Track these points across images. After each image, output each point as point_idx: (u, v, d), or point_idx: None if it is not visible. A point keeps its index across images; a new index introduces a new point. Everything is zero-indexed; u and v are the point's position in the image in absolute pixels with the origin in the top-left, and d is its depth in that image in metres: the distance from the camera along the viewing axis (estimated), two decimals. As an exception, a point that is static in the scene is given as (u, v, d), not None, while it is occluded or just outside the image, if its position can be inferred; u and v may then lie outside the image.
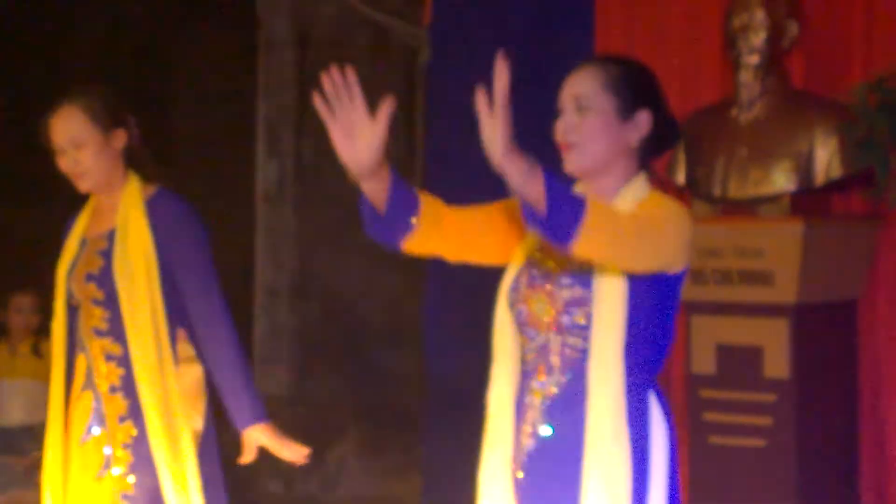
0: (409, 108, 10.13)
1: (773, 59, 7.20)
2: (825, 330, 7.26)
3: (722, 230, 7.22)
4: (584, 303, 3.96)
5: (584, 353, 3.97)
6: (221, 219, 11.44)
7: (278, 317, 10.49)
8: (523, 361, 4.13)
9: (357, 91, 4.03)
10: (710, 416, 7.20)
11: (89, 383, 5.28)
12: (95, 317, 5.24)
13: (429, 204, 4.15)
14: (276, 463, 10.86)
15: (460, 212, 4.26)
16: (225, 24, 11.42)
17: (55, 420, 5.34)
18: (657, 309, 4.02)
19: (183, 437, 5.27)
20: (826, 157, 7.07)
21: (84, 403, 5.28)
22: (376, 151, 3.97)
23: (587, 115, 4.00)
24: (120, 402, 5.23)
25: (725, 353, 7.20)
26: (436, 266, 8.67)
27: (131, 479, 5.22)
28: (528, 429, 4.09)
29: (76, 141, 5.24)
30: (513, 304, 4.12)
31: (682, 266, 4.03)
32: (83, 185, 5.30)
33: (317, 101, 3.96)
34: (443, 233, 4.20)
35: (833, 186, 7.20)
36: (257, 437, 5.37)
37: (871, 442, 7.35)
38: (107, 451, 5.26)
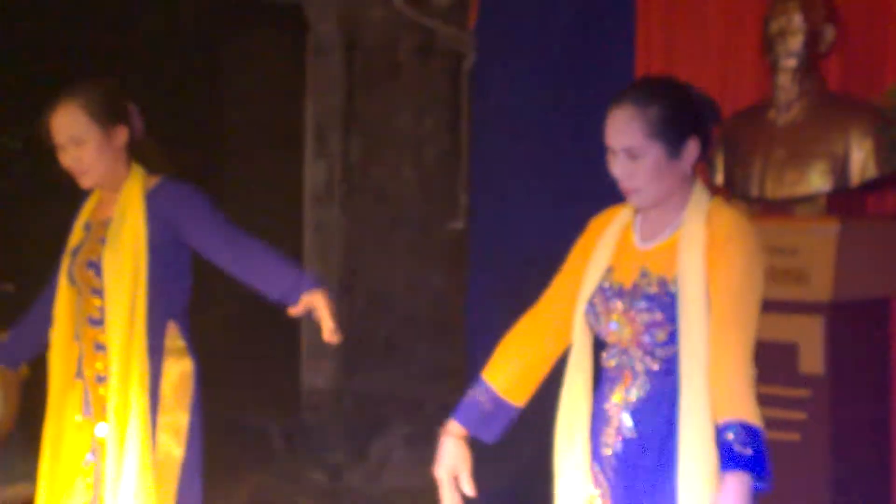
0: (455, 110, 10.14)
1: (810, 63, 7.16)
2: (859, 327, 7.22)
3: (759, 230, 7.22)
4: (663, 324, 4.05)
5: (667, 363, 4.07)
6: (271, 217, 11.50)
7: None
8: (604, 368, 4.21)
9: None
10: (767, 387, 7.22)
11: (79, 372, 5.25)
12: (91, 306, 5.20)
13: (513, 388, 4.45)
14: (321, 456, 10.90)
15: (532, 336, 4.44)
16: (275, 29, 11.44)
17: (53, 405, 5.28)
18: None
19: (141, 432, 5.10)
20: (861, 159, 7.05)
21: (76, 391, 5.25)
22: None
23: (641, 163, 4.07)
24: (105, 391, 5.18)
25: (761, 349, 7.16)
26: (479, 263, 8.67)
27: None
28: (612, 432, 4.16)
29: (76, 139, 5.18)
30: (592, 325, 4.19)
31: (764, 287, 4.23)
32: (85, 182, 5.25)
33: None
34: (536, 372, 4.45)
35: (868, 187, 7.16)
36: (316, 300, 5.19)
37: None
38: (92, 436, 5.23)
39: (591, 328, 4.21)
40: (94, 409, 5.22)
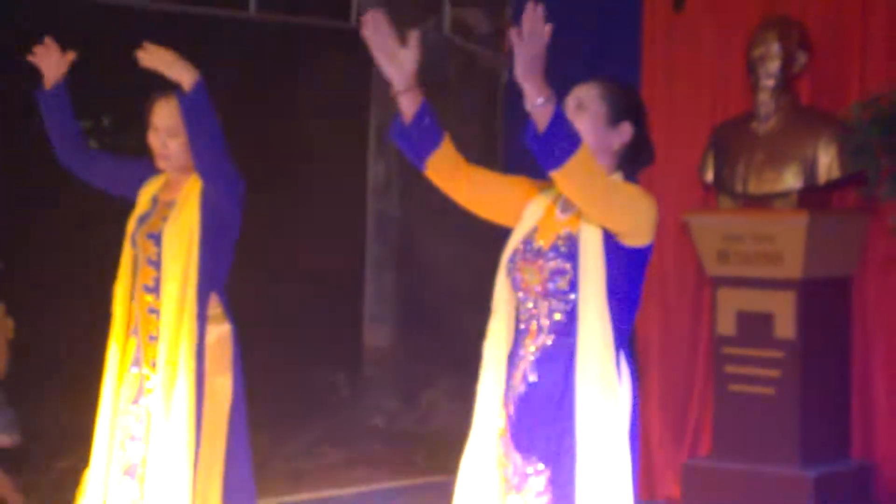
0: (491, 123, 10.11)
1: (786, 82, 7.19)
2: (825, 300, 7.22)
3: (742, 220, 7.24)
4: (564, 272, 3.91)
5: (568, 316, 3.91)
6: (339, 207, 11.48)
7: (384, 284, 10.46)
8: (518, 320, 4.08)
9: (387, 25, 4.14)
10: (730, 369, 7.21)
11: (135, 330, 5.12)
12: (147, 275, 5.06)
13: (451, 146, 4.26)
14: (379, 403, 10.85)
15: (478, 168, 4.29)
16: (345, 49, 11.40)
17: (113, 356, 5.15)
18: (627, 280, 3.94)
19: (189, 384, 4.99)
20: (827, 162, 7.06)
21: (130, 346, 5.12)
22: (409, 70, 4.13)
23: (582, 115, 3.99)
24: (155, 350, 5.05)
25: (744, 318, 7.19)
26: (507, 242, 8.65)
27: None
28: (519, 376, 4.02)
29: (172, 130, 5.05)
30: (510, 273, 4.07)
31: (648, 241, 3.93)
32: (162, 165, 5.13)
33: (364, 35, 4.10)
34: (458, 174, 4.28)
35: (833, 185, 7.18)
36: None
37: (860, 395, 7.32)
38: (141, 386, 5.11)
39: (509, 275, 4.07)
40: (145, 364, 5.10)
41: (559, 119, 3.68)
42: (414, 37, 4.11)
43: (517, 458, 4.05)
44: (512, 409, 4.04)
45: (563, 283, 3.94)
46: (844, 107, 7.05)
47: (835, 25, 7.44)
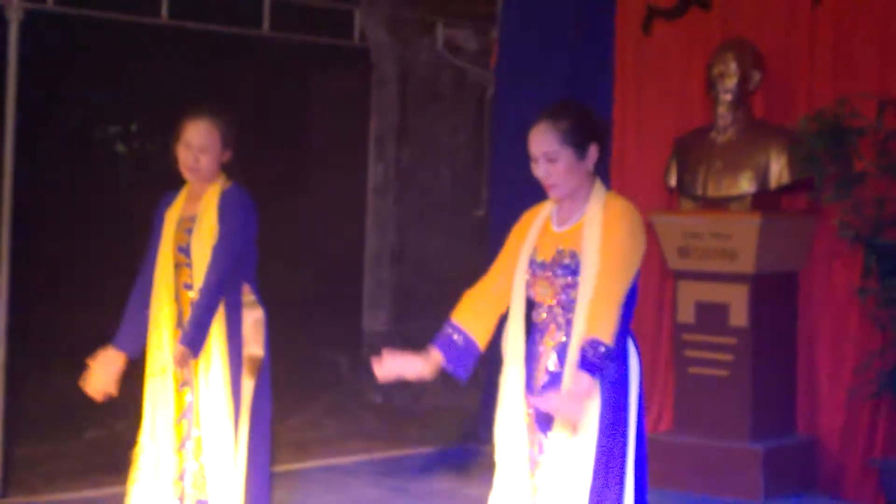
0: (479, 130, 10.06)
1: (742, 98, 7.18)
2: (774, 292, 7.21)
3: (702, 220, 7.21)
4: (574, 286, 3.99)
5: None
6: (342, 205, 11.48)
7: (381, 275, 10.39)
8: (534, 323, 4.13)
9: (392, 360, 4.31)
10: (690, 353, 7.21)
11: (180, 322, 5.04)
12: (185, 275, 5.04)
13: (484, 335, 4.28)
14: (376, 381, 10.86)
15: (491, 296, 4.29)
16: (348, 66, 11.37)
17: (155, 347, 5.09)
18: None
19: (222, 359, 5.00)
20: (778, 169, 7.06)
21: (174, 336, 5.04)
22: (422, 368, 4.27)
23: (556, 165, 4.03)
24: None
25: (701, 308, 7.18)
26: (495, 240, 8.60)
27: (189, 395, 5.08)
28: (542, 368, 4.09)
29: (203, 147, 5.02)
30: (526, 288, 4.13)
31: (642, 254, 4.05)
32: (189, 177, 5.10)
33: (380, 376, 4.31)
34: (497, 320, 4.30)
35: (783, 190, 7.17)
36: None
37: (805, 377, 7.32)
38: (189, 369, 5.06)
39: (524, 292, 4.14)
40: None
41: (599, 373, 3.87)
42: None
43: (542, 437, 4.10)
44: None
45: (573, 294, 4.03)
46: (794, 120, 7.05)
47: (785, 48, 7.44)
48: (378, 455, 8.32)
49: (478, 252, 8.83)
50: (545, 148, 4.06)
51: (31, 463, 7.64)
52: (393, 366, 4.30)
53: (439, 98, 10.43)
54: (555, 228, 4.15)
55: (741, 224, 6.97)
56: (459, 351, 4.24)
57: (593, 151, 4.06)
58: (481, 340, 4.25)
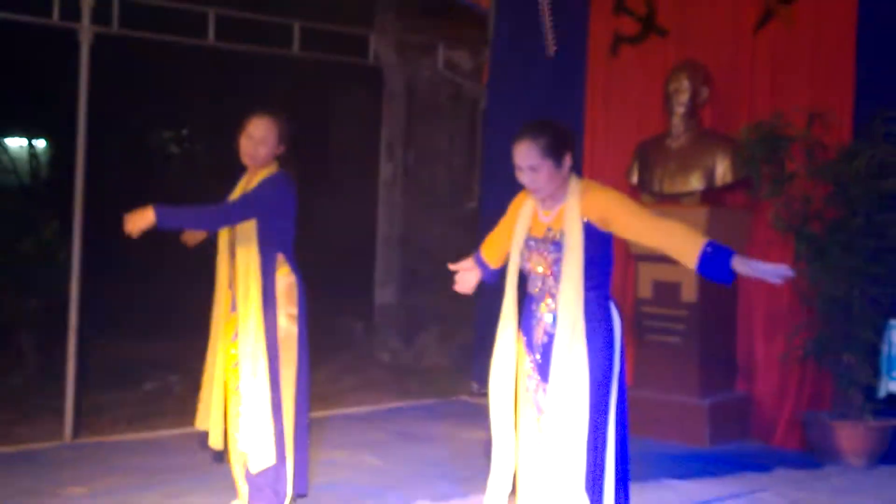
0: (473, 137, 10.04)
1: (693, 110, 7.19)
2: None
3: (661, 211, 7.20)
4: (561, 261, 4.06)
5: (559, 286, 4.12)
6: (357, 196, 11.46)
7: (390, 256, 10.42)
8: (529, 294, 4.19)
9: (471, 271, 4.55)
10: (648, 324, 7.20)
11: (231, 283, 5.05)
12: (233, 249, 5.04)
13: (493, 259, 4.49)
14: (385, 343, 10.79)
15: (498, 247, 4.43)
16: (362, 82, 11.38)
17: (218, 305, 5.12)
18: (600, 251, 4.10)
19: (255, 318, 4.96)
20: (722, 171, 7.05)
21: (229, 295, 5.07)
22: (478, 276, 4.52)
23: (539, 173, 4.08)
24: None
25: (658, 285, 7.17)
26: (484, 227, 8.59)
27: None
28: (541, 331, 4.14)
29: (262, 139, 5.01)
30: (521, 262, 4.19)
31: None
32: (247, 162, 5.07)
33: (460, 280, 4.57)
34: (499, 258, 4.46)
35: (726, 188, 7.17)
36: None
37: (744, 344, 7.33)
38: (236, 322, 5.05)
39: (520, 264, 4.20)
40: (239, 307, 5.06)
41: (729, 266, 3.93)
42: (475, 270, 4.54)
43: (544, 386, 4.12)
44: (538, 355, 4.15)
45: (561, 266, 4.08)
46: (736, 129, 7.04)
47: (730, 69, 7.42)
48: (386, 405, 8.34)
49: (471, 238, 8.85)
50: (529, 161, 4.09)
51: (97, 410, 7.68)
52: (468, 278, 4.50)
53: (439, 109, 10.42)
54: (541, 217, 4.18)
55: (691, 216, 6.91)
56: (486, 268, 4.47)
57: (567, 159, 4.11)
58: (495, 265, 4.46)
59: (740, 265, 3.86)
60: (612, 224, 4.07)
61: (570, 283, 4.04)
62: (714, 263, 3.90)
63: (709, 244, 3.92)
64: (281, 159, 5.14)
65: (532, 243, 4.17)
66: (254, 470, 4.95)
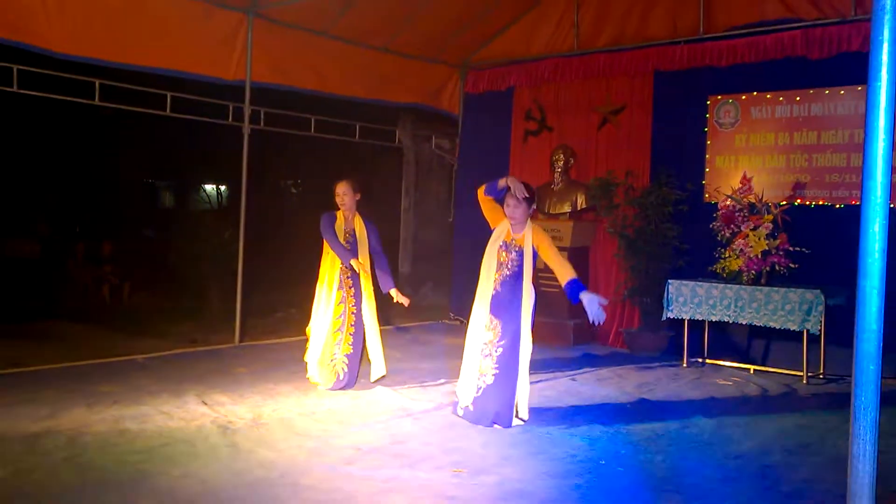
0: (449, 188, 9.80)
1: (566, 170, 7.10)
2: (580, 256, 7.08)
3: (549, 223, 7.03)
4: (520, 261, 3.96)
5: (518, 273, 3.97)
6: (387, 217, 11.32)
7: (407, 248, 10.20)
8: (497, 276, 3.97)
9: (517, 188, 3.93)
10: (543, 282, 7.06)
11: (338, 274, 4.70)
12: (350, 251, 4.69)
13: (492, 216, 4.04)
14: (402, 292, 10.80)
15: (495, 205, 4.06)
16: (392, 155, 11.27)
17: (334, 281, 4.69)
18: (533, 261, 4.01)
19: (366, 292, 4.65)
20: (581, 201, 7.00)
21: (335, 279, 4.69)
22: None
23: (518, 210, 3.95)
24: (349, 281, 4.76)
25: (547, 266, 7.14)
26: (459, 233, 8.51)
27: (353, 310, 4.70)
28: (498, 285, 3.97)
29: (345, 192, 4.71)
30: (496, 256, 3.99)
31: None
32: (341, 208, 4.72)
33: (512, 190, 3.88)
34: (492, 206, 4.06)
35: (583, 211, 7.07)
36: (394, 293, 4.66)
37: (593, 291, 7.11)
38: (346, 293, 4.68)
39: (496, 256, 3.98)
40: (344, 286, 4.72)
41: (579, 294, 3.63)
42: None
43: (498, 323, 3.94)
44: (495, 303, 3.95)
45: (518, 262, 3.94)
46: (588, 179, 6.99)
47: (585, 148, 7.25)
48: (404, 324, 8.04)
49: (449, 239, 8.87)
50: (519, 204, 3.94)
51: (252, 327, 7.40)
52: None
53: (432, 170, 10.42)
54: (512, 233, 4.04)
55: (565, 226, 6.94)
56: (496, 194, 3.99)
57: (532, 206, 4.03)
58: (493, 205, 4.00)
59: (584, 296, 3.65)
60: (540, 250, 3.92)
61: (525, 273, 3.93)
62: (571, 290, 3.75)
63: (574, 280, 3.71)
64: (359, 204, 4.83)
65: (503, 245, 3.97)
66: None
